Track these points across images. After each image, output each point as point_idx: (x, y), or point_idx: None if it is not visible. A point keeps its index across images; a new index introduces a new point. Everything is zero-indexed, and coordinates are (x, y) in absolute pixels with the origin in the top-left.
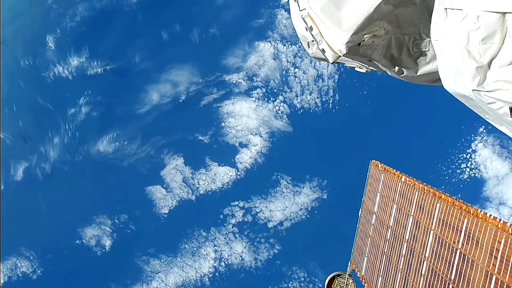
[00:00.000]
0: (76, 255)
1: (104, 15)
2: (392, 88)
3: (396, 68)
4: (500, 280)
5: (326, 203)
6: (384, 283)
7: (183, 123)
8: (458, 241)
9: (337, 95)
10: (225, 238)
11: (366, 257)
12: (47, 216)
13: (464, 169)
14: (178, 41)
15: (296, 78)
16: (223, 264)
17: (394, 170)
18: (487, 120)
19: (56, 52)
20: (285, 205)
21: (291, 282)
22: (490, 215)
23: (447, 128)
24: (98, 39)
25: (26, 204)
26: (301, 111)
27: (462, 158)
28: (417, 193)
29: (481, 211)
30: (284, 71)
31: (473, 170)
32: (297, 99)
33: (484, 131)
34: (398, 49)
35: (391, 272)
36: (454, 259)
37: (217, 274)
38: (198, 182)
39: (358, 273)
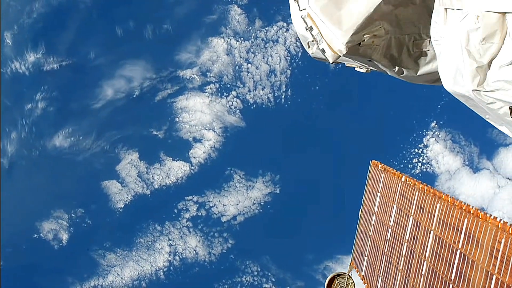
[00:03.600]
0: (34, 249)
1: (60, 12)
2: (345, 84)
3: (396, 68)
4: (500, 280)
5: (278, 198)
6: (384, 283)
7: (138, 118)
8: (458, 241)
9: (289, 90)
10: (180, 232)
11: (366, 257)
12: (5, 210)
13: (416, 164)
14: (132, 37)
15: (249, 74)
16: (177, 258)
17: (394, 170)
18: (487, 120)
19: (13, 48)
20: (238, 199)
21: (244, 276)
22: (490, 215)
23: (399, 123)
24: (54, 35)
25: None
26: (254, 106)
27: (414, 153)
28: (417, 193)
29: (481, 211)
30: (237, 67)
31: (425, 165)
32: (250, 94)
33: (436, 126)
34: (398, 49)
35: (391, 272)
36: (454, 259)
37: (171, 268)
38: (152, 176)
39: (358, 273)
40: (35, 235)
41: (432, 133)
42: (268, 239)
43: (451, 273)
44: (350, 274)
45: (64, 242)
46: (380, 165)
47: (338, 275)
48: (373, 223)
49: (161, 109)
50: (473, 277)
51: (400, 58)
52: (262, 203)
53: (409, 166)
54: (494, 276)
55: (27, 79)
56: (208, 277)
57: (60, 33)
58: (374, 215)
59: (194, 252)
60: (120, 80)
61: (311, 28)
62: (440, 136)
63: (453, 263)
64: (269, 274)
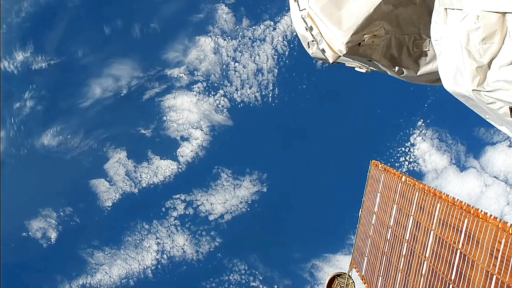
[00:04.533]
0: (23, 247)
1: (48, 11)
2: (332, 83)
3: (396, 68)
4: (500, 280)
5: (265, 196)
6: (384, 283)
7: (126, 117)
8: (459, 241)
9: (276, 89)
10: (167, 231)
11: (366, 257)
12: None
13: (403, 163)
14: (119, 36)
15: (236, 72)
16: (165, 256)
17: (394, 170)
18: (487, 120)
19: (2, 47)
20: (226, 198)
21: (232, 275)
22: (491, 215)
23: (386, 122)
24: (43, 34)
25: None
26: (241, 105)
27: (401, 152)
28: (417, 193)
29: (481, 211)
30: (224, 66)
31: (412, 164)
32: (237, 93)
33: (423, 124)
34: (398, 49)
35: (391, 272)
36: (455, 259)
37: (159, 266)
38: (140, 175)
39: (358, 273)
40: (24, 234)
41: (419, 131)
42: (256, 238)
43: (451, 273)
44: (350, 274)
45: (52, 241)
46: (380, 165)
47: (338, 275)
48: (373, 223)
49: (149, 107)
50: (473, 277)
51: (400, 58)
52: (250, 202)
53: (396, 164)
54: (494, 276)
55: (16, 78)
56: (195, 275)
57: (48, 32)
58: (374, 215)
59: (182, 250)
60: (108, 79)
61: (311, 28)
62: (427, 134)
63: (453, 263)
64: (257, 272)
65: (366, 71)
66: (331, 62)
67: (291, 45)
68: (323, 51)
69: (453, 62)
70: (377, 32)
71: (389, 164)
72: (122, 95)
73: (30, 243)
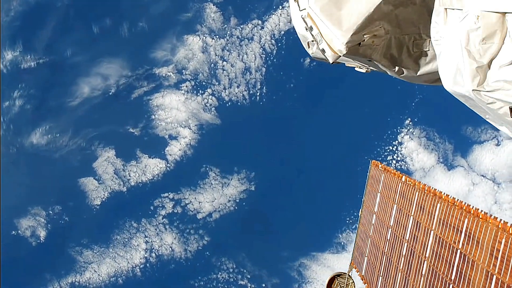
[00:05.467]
0: (12, 246)
1: (38, 10)
2: (319, 81)
3: (396, 68)
4: (500, 280)
5: (253, 195)
6: (384, 283)
7: (114, 115)
8: (459, 241)
9: (264, 88)
10: (156, 229)
11: (366, 257)
12: None
13: (391, 162)
14: (108, 35)
15: (224, 71)
16: (153, 255)
17: (394, 170)
18: (487, 120)
19: None
20: (214, 196)
21: (220, 273)
22: (491, 215)
23: (374, 121)
24: (32, 33)
25: None
26: (229, 103)
27: (388, 151)
28: (417, 193)
29: (481, 211)
30: (212, 64)
31: (400, 163)
32: (225, 92)
33: (410, 123)
34: (398, 49)
35: (391, 272)
36: (455, 259)
37: (148, 265)
38: (129, 174)
39: (358, 273)
40: (13, 232)
41: (406, 130)
42: (244, 236)
43: (451, 273)
44: (350, 274)
45: (42, 239)
46: (380, 165)
47: (338, 275)
48: (373, 223)
49: (137, 106)
50: (473, 277)
51: (400, 58)
52: (238, 200)
53: (384, 163)
54: (495, 276)
55: (5, 77)
56: (184, 274)
57: (37, 31)
58: (374, 215)
59: (170, 249)
60: (96, 78)
61: (311, 28)
62: (414, 133)
63: (453, 263)
64: (245, 271)
65: (366, 71)
66: (331, 62)
67: (279, 44)
68: (323, 51)
69: (453, 62)
70: (377, 32)
71: None
72: (110, 94)
73: (19, 241)
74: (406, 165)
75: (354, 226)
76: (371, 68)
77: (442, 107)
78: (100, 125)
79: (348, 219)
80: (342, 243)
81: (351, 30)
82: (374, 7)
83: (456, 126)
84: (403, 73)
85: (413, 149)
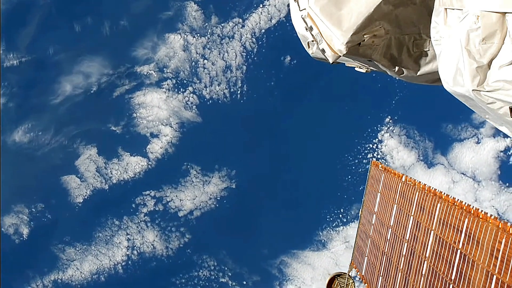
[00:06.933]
0: None
1: (20, 8)
2: (299, 79)
3: (396, 68)
4: (500, 280)
5: (234, 193)
6: (384, 283)
7: (96, 113)
8: (459, 241)
9: (245, 86)
10: (137, 227)
11: (366, 257)
12: None
13: (371, 159)
14: (89, 33)
15: (205, 70)
16: (135, 252)
17: (394, 170)
18: (487, 120)
19: None
20: (195, 194)
21: (201, 271)
22: (491, 215)
23: (354, 119)
24: (14, 32)
25: None
26: (210, 102)
27: (368, 148)
28: (417, 193)
29: (481, 211)
30: (193, 63)
31: (380, 160)
32: (206, 90)
33: (390, 121)
34: (398, 49)
35: (391, 272)
36: (455, 259)
37: (130, 262)
38: (111, 171)
39: (358, 273)
40: None
41: (386, 128)
42: (225, 234)
43: (452, 273)
44: (350, 274)
45: (25, 237)
46: (380, 165)
47: (338, 275)
48: (373, 223)
49: (119, 104)
50: (473, 277)
51: (400, 58)
52: (219, 198)
53: (364, 161)
54: (495, 276)
55: None
56: (165, 271)
57: (19, 29)
58: (374, 215)
59: (152, 246)
60: (78, 76)
61: (311, 28)
62: (394, 131)
63: (454, 263)
64: (226, 268)
65: (366, 71)
66: (331, 62)
67: (260, 42)
68: (323, 51)
69: (453, 62)
70: (377, 32)
71: (356, 161)
72: (92, 92)
73: (2, 239)
74: (386, 163)
75: (334, 224)
76: (371, 68)
77: (422, 105)
78: (82, 123)
79: (329, 216)
80: (323, 240)
81: (351, 30)
82: (374, 7)
83: (436, 124)
84: (403, 73)
85: (393, 147)
